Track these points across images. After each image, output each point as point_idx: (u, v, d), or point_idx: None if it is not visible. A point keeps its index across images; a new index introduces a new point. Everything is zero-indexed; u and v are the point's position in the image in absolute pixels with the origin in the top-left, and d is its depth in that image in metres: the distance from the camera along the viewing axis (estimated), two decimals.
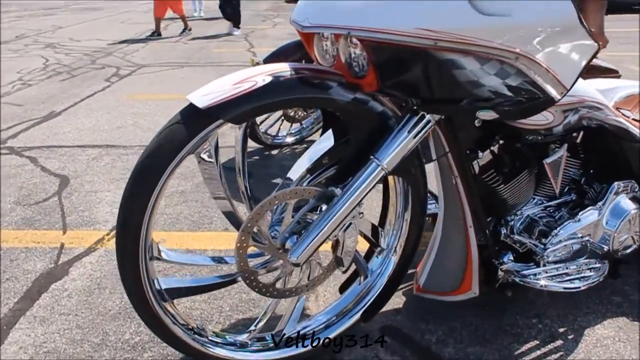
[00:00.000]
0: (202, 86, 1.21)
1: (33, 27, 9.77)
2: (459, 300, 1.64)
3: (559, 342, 1.61)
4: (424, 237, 1.61)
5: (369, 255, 1.62)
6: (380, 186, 1.48)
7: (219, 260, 1.47)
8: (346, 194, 1.28)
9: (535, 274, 1.58)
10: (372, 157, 1.28)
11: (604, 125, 1.60)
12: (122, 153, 3.20)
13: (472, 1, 1.04)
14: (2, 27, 9.57)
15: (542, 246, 1.60)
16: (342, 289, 1.64)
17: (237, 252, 1.26)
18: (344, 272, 1.44)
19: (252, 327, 1.49)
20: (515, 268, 1.61)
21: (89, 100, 4.49)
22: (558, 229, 1.62)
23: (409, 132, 1.28)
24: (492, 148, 1.53)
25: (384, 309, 1.63)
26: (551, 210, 1.71)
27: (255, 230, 1.28)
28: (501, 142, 1.54)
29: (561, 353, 1.57)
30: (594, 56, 1.18)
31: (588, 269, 1.63)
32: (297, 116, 3.24)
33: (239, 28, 8.75)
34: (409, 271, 1.63)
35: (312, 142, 3.51)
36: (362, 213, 1.37)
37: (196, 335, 1.34)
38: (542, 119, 1.42)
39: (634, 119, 1.75)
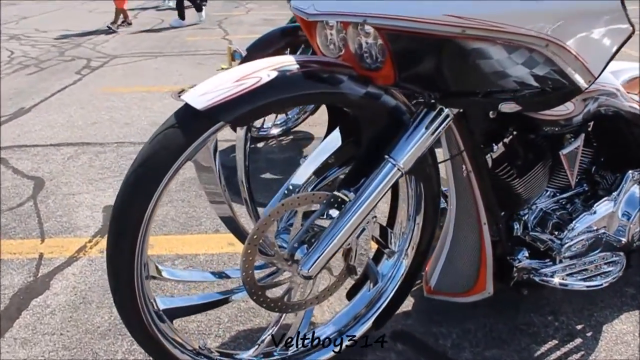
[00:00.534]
0: (197, 84, 1.08)
1: None
2: (473, 301, 1.56)
3: (578, 341, 1.54)
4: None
5: (377, 257, 1.52)
6: None
7: (220, 275, 1.35)
8: (360, 199, 1.16)
9: (553, 272, 1.50)
10: (387, 156, 1.17)
11: (619, 112, 1.52)
12: (100, 151, 3.03)
13: None
14: None
15: (559, 241, 1.52)
16: (350, 295, 1.54)
17: (243, 267, 1.14)
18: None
19: (259, 342, 1.38)
20: (532, 265, 1.53)
21: (59, 94, 4.27)
22: (574, 222, 1.54)
23: (427, 128, 1.17)
24: (505, 140, 1.44)
25: None
26: (564, 203, 1.63)
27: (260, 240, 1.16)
28: (515, 133, 1.44)
29: (582, 353, 1.50)
30: (627, 41, 1.09)
31: (605, 263, 1.55)
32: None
33: (201, 10, 8.27)
34: None
35: (299, 133, 3.42)
36: (375, 217, 1.26)
37: (202, 357, 1.22)
38: (562, 109, 1.33)
39: None
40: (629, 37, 1.08)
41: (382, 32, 1.02)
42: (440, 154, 1.39)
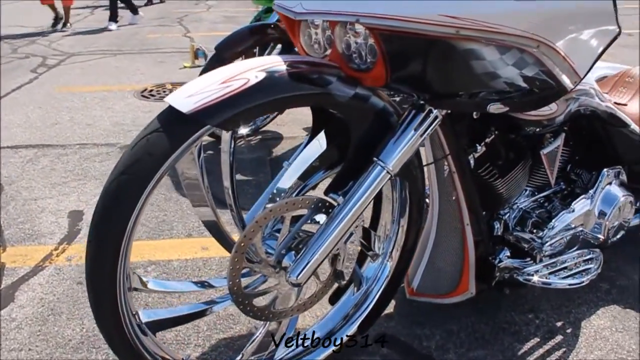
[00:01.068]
0: (183, 85, 1.02)
1: None
2: (456, 302, 1.55)
3: (559, 338, 1.56)
4: None
5: (360, 261, 1.50)
6: None
7: (203, 284, 1.30)
8: (349, 203, 1.14)
9: (535, 271, 1.51)
10: (375, 159, 1.15)
11: (596, 112, 1.54)
12: (61, 153, 2.90)
13: None
14: None
15: (540, 240, 1.53)
16: (333, 299, 1.51)
17: (230, 275, 1.10)
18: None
19: (242, 352, 1.33)
20: (514, 265, 1.54)
21: (14, 94, 4.08)
22: (554, 220, 1.55)
23: (416, 129, 1.16)
24: (487, 141, 1.44)
25: None
26: (543, 202, 1.65)
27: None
28: (497, 134, 1.45)
29: (564, 349, 1.51)
30: (613, 42, 1.10)
31: (584, 260, 1.58)
32: None
33: (137, 13, 7.63)
34: None
35: (267, 132, 3.37)
36: (363, 220, 1.23)
37: None
38: (547, 109, 1.34)
39: (615, 103, 1.70)
40: (615, 38, 1.09)
41: (375, 32, 0.99)
42: (423, 154, 1.38)
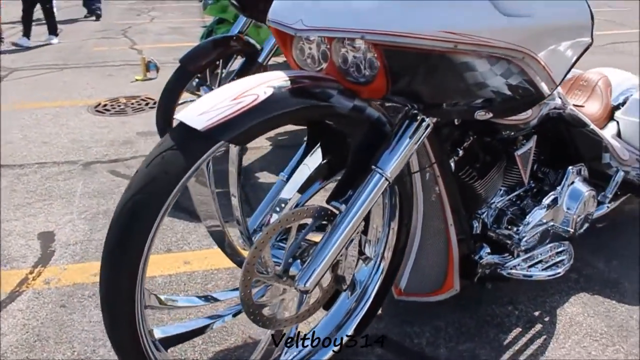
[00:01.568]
0: (192, 103, 1.04)
1: None
2: (442, 299, 1.63)
3: (538, 326, 1.66)
4: None
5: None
6: None
7: (207, 298, 1.31)
8: (352, 210, 1.19)
9: (515, 265, 1.61)
10: (374, 167, 1.20)
11: (561, 114, 1.66)
12: (20, 173, 2.80)
13: (494, 1, 1.00)
14: None
15: (517, 235, 1.63)
16: (327, 305, 1.55)
17: (242, 287, 1.12)
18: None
19: None
20: (495, 260, 1.63)
21: None
22: (528, 217, 1.66)
23: (410, 137, 1.22)
24: (467, 145, 1.53)
25: None
26: (516, 200, 1.75)
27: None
28: (475, 138, 1.54)
29: (544, 337, 1.62)
30: (585, 51, 1.20)
31: (557, 252, 1.69)
32: None
33: (56, 34, 6.84)
34: None
35: None
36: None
37: None
38: (523, 114, 1.43)
39: (574, 105, 1.84)
40: (587, 48, 1.19)
41: (379, 47, 1.05)
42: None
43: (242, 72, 2.92)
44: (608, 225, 2.19)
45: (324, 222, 1.24)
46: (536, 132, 1.65)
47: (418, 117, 1.22)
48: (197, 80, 2.89)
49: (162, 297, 1.15)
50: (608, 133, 1.94)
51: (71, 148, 3.17)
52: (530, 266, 1.61)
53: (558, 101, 1.61)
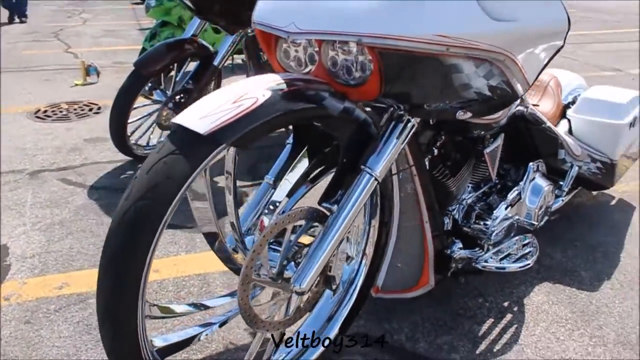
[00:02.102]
0: (190, 107, 1.02)
1: None
2: (418, 294, 1.68)
3: (509, 316, 1.74)
4: None
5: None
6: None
7: (198, 306, 1.29)
8: (344, 210, 1.21)
9: (487, 259, 1.68)
10: (363, 167, 1.23)
11: (524, 113, 1.75)
12: None
13: (482, 3, 1.05)
14: None
15: (486, 230, 1.71)
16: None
17: (241, 293, 1.11)
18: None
19: None
20: (467, 255, 1.69)
21: None
22: (495, 212, 1.74)
23: (398, 137, 1.25)
24: (439, 144, 1.58)
25: None
26: (482, 196, 1.83)
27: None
28: (447, 137, 1.59)
29: (516, 325, 1.70)
30: (556, 54, 1.28)
31: (523, 245, 1.78)
32: (168, 123, 2.99)
33: None
34: None
35: None
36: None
37: None
38: (496, 114, 1.50)
39: (533, 104, 1.94)
40: (558, 51, 1.27)
41: (375, 50, 1.07)
42: None
43: (197, 76, 2.87)
44: (561, 217, 2.32)
45: (315, 224, 1.26)
46: (503, 130, 1.73)
47: (404, 118, 1.26)
48: (149, 84, 2.82)
49: (159, 306, 1.12)
50: (561, 130, 2.06)
51: (15, 157, 3.00)
52: (501, 259, 1.69)
53: (522, 101, 1.70)
